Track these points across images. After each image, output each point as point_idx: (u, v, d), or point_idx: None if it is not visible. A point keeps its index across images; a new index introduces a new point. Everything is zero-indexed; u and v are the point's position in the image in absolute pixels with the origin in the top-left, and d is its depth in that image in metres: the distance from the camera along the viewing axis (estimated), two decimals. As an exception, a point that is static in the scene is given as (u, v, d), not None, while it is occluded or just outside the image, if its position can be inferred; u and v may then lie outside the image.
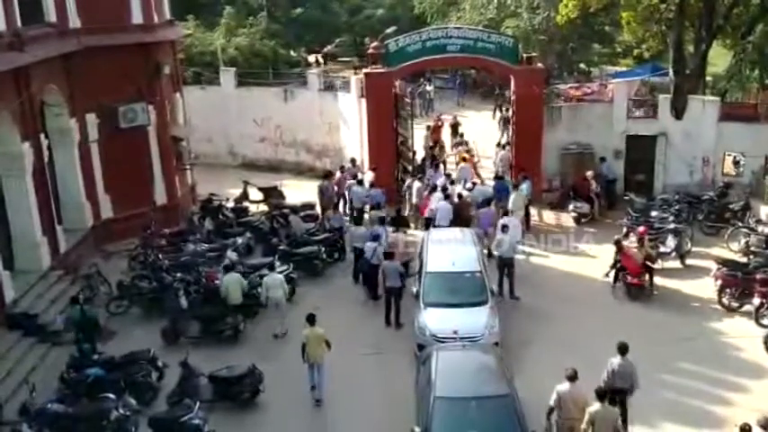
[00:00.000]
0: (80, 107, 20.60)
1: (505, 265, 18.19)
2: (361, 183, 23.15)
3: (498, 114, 33.94)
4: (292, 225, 21.49)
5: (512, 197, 21.55)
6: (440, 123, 30.47)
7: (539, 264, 20.33)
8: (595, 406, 11.41)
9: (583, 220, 22.92)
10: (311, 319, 14.43)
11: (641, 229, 19.32)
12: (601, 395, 11.47)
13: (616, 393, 12.33)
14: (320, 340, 14.32)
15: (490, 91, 38.79)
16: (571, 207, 23.19)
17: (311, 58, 47.68)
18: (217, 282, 17.81)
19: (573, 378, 11.88)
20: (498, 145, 27.77)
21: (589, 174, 23.60)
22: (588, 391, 11.72)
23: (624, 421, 12.44)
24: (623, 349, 12.58)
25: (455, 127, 31.86)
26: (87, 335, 15.59)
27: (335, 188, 23.53)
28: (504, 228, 18.30)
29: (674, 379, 13.89)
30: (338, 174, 24.43)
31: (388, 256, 17.49)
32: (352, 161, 25.45)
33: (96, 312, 16.40)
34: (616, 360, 12.53)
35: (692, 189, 23.44)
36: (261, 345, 16.59)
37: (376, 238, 18.69)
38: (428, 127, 29.36)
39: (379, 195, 22.32)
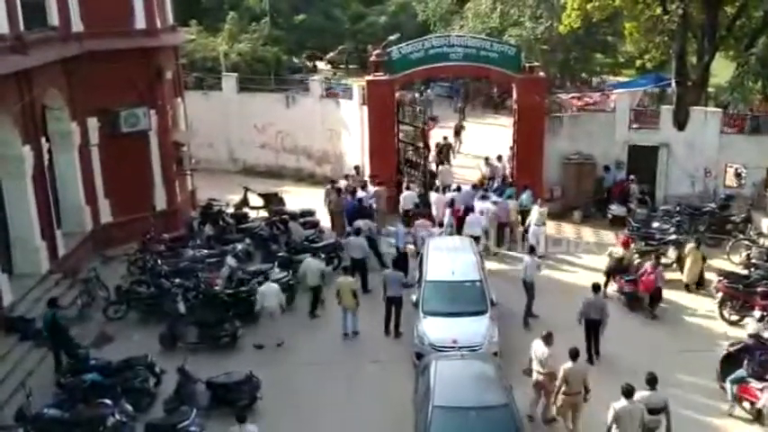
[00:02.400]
0: (81, 111, 20.58)
1: (528, 288, 17.68)
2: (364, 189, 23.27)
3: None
4: (292, 232, 21.46)
5: (534, 211, 21.44)
6: (429, 127, 30.41)
7: (540, 274, 20.26)
8: (569, 363, 12.79)
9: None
10: (345, 270, 17.50)
11: (622, 238, 19.27)
12: (573, 354, 12.87)
13: (590, 324, 15.53)
14: (349, 288, 16.65)
15: (490, 100, 38.83)
16: (613, 208, 23.43)
17: (321, 65, 47.72)
18: (216, 287, 17.78)
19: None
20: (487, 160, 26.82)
21: (631, 177, 23.88)
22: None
23: (597, 352, 15.60)
24: (596, 288, 15.85)
25: (458, 131, 31.99)
26: (57, 339, 15.43)
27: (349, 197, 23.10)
28: (532, 251, 18.17)
29: (673, 390, 13.76)
30: (342, 182, 24.37)
31: (395, 264, 18.32)
32: (356, 168, 25.43)
33: (66, 318, 16.03)
34: (591, 296, 15.55)
35: (694, 200, 23.42)
36: (259, 351, 16.51)
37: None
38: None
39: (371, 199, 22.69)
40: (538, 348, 13.66)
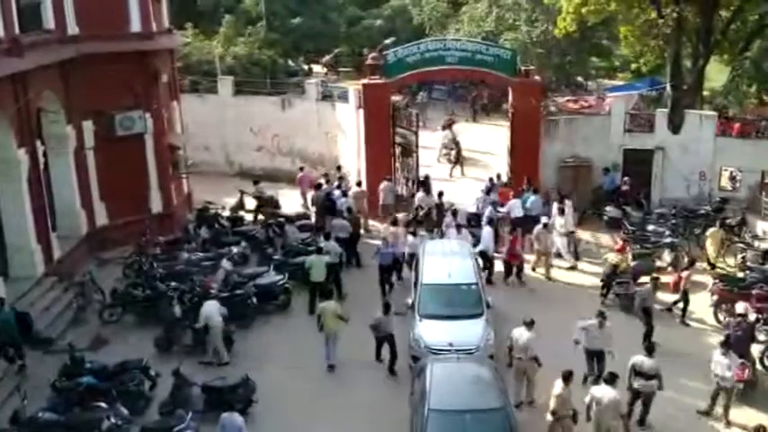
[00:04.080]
0: (77, 114, 20.56)
1: (595, 358, 15.04)
2: (345, 195, 23.35)
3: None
4: (288, 235, 21.45)
5: (567, 214, 21.27)
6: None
7: (537, 277, 20.31)
8: (559, 388, 12.63)
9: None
10: (328, 294, 16.61)
11: (618, 246, 19.25)
12: (566, 377, 12.69)
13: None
14: (334, 313, 15.80)
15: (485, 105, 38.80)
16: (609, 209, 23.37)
17: (317, 68, 47.73)
18: (212, 291, 17.75)
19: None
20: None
21: (625, 179, 23.92)
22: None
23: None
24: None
25: (450, 126, 32.01)
26: (5, 337, 15.32)
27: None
28: (603, 321, 14.92)
29: (668, 394, 13.83)
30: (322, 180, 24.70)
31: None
32: (338, 168, 25.68)
33: (10, 315, 15.64)
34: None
35: (689, 203, 23.46)
36: (255, 355, 16.49)
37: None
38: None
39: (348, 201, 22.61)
40: (521, 336, 14.11)
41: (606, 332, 14.70)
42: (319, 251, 18.71)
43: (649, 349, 13.73)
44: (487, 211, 21.63)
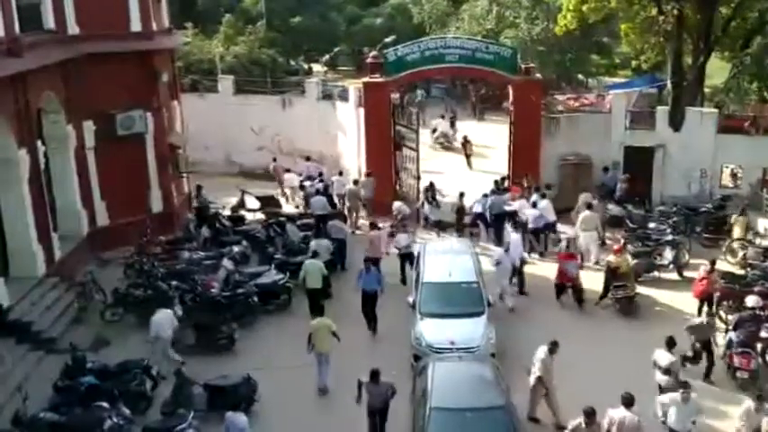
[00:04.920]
0: (77, 114, 20.54)
1: None
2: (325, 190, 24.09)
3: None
4: (289, 234, 21.44)
5: (582, 215, 21.02)
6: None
7: (541, 274, 20.27)
8: (620, 412, 11.71)
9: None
10: (320, 311, 15.51)
11: (616, 247, 19.13)
12: (626, 402, 11.75)
13: None
14: (327, 331, 14.78)
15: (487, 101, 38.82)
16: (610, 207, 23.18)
17: (316, 67, 47.79)
18: (213, 290, 17.75)
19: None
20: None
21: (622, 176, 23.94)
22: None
23: None
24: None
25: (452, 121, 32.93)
26: None
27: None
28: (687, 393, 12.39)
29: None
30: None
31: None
32: (307, 159, 26.99)
33: None
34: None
35: (690, 201, 23.42)
36: (256, 354, 16.48)
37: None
38: None
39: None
40: (538, 351, 13.66)
41: (692, 406, 12.33)
42: (315, 255, 18.57)
43: (669, 344, 13.68)
44: (527, 212, 21.44)
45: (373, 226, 20.69)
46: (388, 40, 38.47)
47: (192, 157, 26.44)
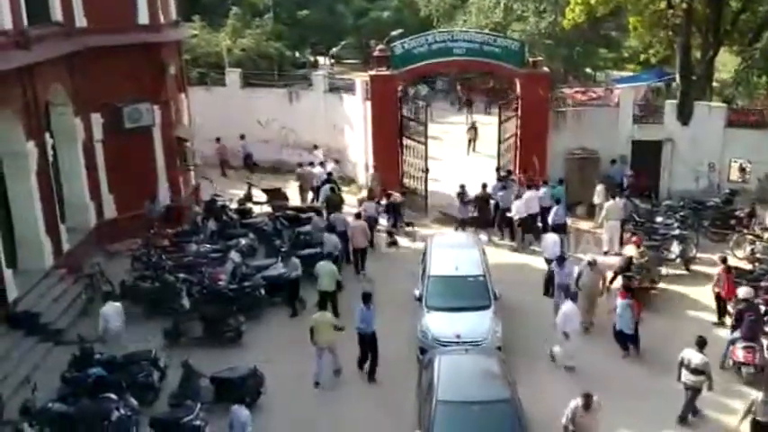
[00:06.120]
0: (85, 107, 20.61)
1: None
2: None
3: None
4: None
5: (606, 205, 20.99)
6: None
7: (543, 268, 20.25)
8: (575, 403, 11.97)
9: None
10: (322, 305, 15.89)
11: (635, 238, 19.11)
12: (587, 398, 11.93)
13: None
14: (328, 325, 14.85)
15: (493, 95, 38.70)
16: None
17: (322, 60, 47.73)
18: (221, 282, 17.79)
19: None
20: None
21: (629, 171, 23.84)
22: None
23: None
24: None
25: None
26: None
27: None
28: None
29: (677, 386, 13.78)
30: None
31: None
32: (315, 147, 27.45)
33: None
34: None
35: (698, 195, 23.36)
36: (263, 346, 16.53)
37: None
38: None
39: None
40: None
41: None
42: (329, 256, 18.32)
43: (700, 344, 13.37)
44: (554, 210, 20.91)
45: (357, 216, 20.72)
46: (395, 33, 38.35)
47: (200, 149, 26.41)
